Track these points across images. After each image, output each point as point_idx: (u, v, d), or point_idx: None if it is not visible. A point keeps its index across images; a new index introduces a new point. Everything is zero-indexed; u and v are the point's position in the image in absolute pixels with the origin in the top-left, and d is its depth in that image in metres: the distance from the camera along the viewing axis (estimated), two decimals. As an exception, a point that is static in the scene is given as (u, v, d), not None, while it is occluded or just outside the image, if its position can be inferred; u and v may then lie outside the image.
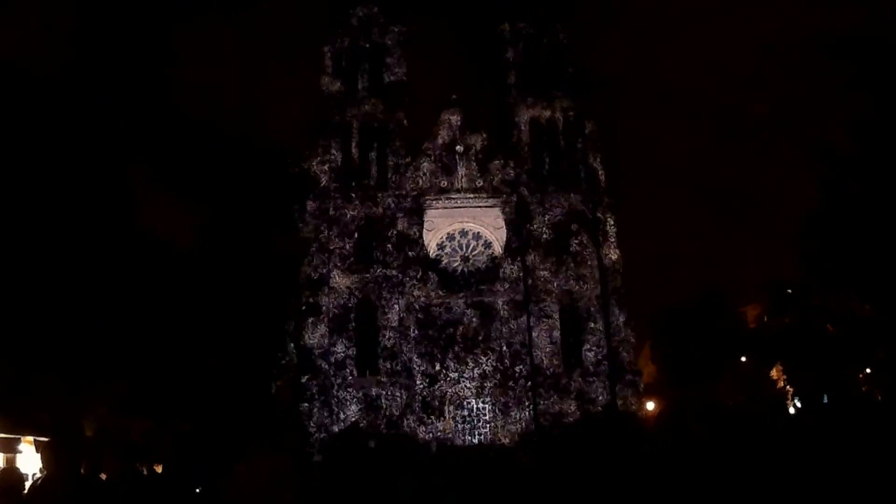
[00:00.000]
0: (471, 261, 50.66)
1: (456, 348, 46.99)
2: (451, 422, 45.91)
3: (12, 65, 24.30)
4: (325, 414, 44.69)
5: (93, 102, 26.29)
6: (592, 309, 48.61)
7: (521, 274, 48.71)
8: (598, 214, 49.84)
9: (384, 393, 46.09)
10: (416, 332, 47.21)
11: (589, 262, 49.43)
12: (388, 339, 47.09)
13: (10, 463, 22.18)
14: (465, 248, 51.04)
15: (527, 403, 46.03)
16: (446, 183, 50.74)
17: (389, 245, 48.62)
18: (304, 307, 38.23)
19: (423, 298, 47.96)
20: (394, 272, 47.97)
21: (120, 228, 25.29)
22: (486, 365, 46.81)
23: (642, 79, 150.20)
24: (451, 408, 46.22)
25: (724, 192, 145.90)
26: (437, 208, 50.06)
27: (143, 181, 28.50)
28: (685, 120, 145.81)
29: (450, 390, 46.39)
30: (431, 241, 50.14)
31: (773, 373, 47.72)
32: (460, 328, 47.45)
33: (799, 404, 42.14)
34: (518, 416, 45.71)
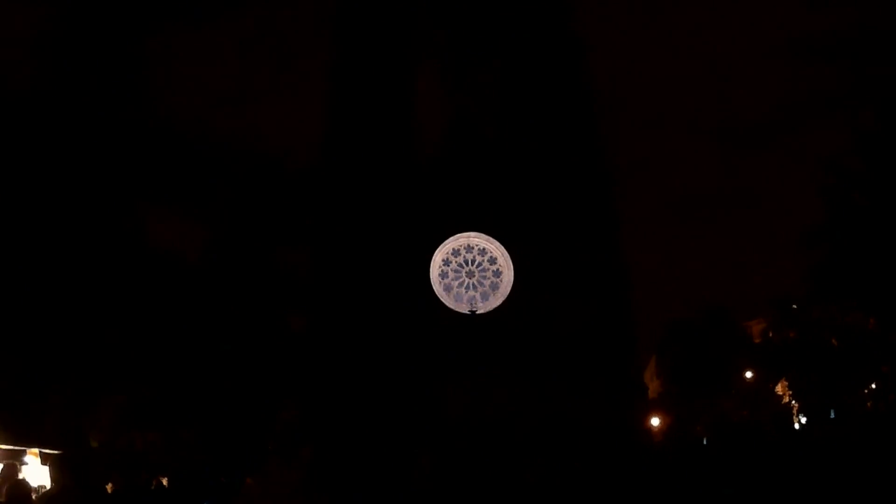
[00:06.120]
0: (476, 276, 50.57)
1: (462, 364, 46.72)
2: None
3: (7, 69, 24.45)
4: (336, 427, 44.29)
5: (98, 115, 26.48)
6: (597, 323, 48.45)
7: (527, 288, 48.55)
8: (603, 227, 49.70)
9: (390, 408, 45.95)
10: (423, 346, 46.99)
11: (593, 277, 49.31)
12: (396, 352, 46.85)
13: (11, 470, 22.14)
14: (470, 263, 50.94)
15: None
16: (452, 197, 50.70)
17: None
18: (311, 320, 38.13)
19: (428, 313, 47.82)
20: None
21: (124, 240, 25.39)
22: (492, 377, 46.57)
23: (643, 90, 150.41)
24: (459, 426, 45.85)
25: (728, 205, 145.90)
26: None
27: (149, 194, 28.66)
28: (687, 132, 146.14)
29: (457, 407, 46.10)
30: (437, 256, 50.05)
31: (779, 388, 47.53)
32: (465, 343, 47.21)
33: (805, 420, 41.92)
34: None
